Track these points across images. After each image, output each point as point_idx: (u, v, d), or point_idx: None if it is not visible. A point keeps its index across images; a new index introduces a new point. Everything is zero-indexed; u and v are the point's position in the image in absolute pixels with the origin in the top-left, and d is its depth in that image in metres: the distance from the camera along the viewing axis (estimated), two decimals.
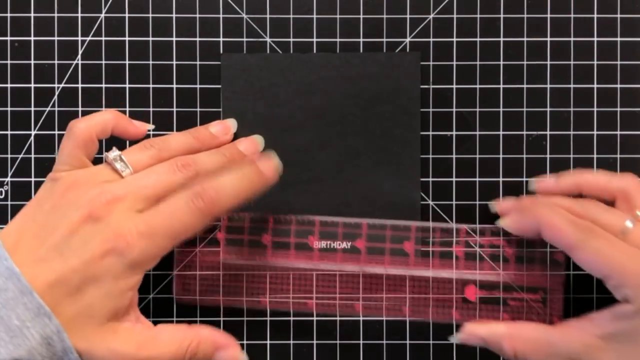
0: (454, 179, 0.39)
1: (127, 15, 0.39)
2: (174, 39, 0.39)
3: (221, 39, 0.39)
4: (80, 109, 0.39)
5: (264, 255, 0.38)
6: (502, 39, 0.39)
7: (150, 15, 0.39)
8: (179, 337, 0.34)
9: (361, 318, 0.39)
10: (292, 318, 0.39)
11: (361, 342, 0.39)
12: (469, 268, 0.38)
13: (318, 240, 0.38)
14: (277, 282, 0.38)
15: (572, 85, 0.39)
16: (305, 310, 0.38)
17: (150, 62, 0.39)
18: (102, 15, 0.39)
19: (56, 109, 0.39)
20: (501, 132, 0.39)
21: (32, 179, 0.39)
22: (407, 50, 0.39)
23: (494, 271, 0.38)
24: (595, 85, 0.39)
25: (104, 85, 0.39)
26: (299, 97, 0.39)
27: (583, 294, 0.39)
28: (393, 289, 0.38)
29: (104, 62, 0.39)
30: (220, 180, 0.33)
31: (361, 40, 0.39)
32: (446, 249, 0.38)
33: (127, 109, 0.39)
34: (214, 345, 0.35)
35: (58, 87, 0.39)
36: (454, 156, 0.39)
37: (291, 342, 0.39)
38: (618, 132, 0.39)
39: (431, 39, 0.39)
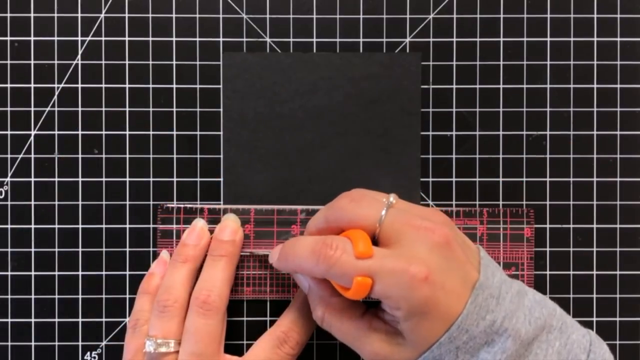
0: (453, 179, 0.39)
1: (127, 15, 0.39)
2: (174, 39, 0.39)
3: (221, 39, 0.39)
4: (80, 109, 0.39)
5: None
6: (502, 39, 0.39)
7: (150, 15, 0.39)
8: None
9: None
10: None
11: None
12: None
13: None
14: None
15: (572, 85, 0.39)
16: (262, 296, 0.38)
17: (150, 62, 0.39)
18: (102, 15, 0.39)
19: (56, 109, 0.39)
20: (501, 132, 0.39)
21: (32, 179, 0.39)
22: (407, 50, 0.39)
23: None
24: (595, 85, 0.39)
25: (104, 85, 0.39)
26: (300, 96, 0.39)
27: (583, 294, 0.39)
28: None
29: (104, 62, 0.39)
30: None
31: (361, 40, 0.39)
32: None
33: (127, 109, 0.39)
34: None
35: (58, 87, 0.39)
36: (454, 156, 0.39)
37: None
38: (618, 132, 0.39)
39: (431, 39, 0.39)
